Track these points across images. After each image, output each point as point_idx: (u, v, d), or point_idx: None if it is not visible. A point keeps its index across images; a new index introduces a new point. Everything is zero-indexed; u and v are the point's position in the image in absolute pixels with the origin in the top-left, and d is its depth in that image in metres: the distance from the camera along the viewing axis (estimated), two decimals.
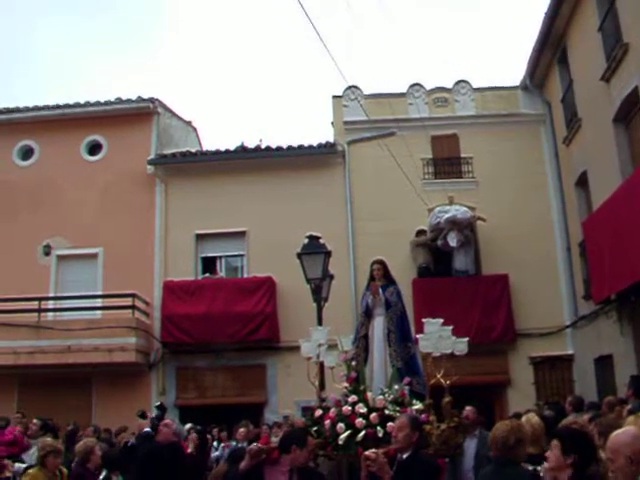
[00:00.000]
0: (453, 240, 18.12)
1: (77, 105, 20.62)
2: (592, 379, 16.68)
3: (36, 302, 18.45)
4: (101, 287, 19.46)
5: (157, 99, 20.66)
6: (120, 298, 18.22)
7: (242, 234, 19.55)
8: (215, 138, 46.80)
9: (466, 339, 8.48)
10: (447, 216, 18.23)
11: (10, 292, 18.22)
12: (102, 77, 52.86)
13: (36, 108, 20.78)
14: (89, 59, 52.90)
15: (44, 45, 53.37)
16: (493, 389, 18.21)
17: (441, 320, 8.55)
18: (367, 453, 5.84)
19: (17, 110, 20.92)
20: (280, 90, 53.59)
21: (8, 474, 9.47)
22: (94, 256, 19.74)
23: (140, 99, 20.48)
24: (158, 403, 15.14)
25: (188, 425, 13.57)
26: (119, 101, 20.55)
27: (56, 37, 53.59)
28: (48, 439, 9.18)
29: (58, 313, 19.12)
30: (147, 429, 7.23)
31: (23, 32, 52.71)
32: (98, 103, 20.60)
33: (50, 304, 19.26)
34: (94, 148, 20.74)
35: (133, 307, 18.30)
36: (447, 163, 19.81)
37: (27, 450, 11.94)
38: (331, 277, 14.23)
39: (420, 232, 18.81)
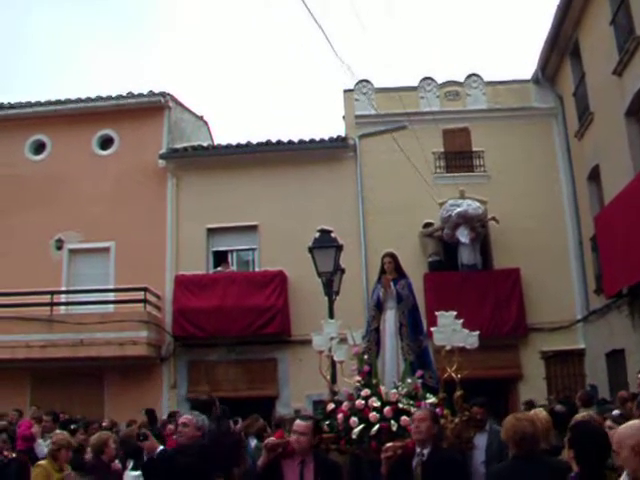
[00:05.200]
0: (464, 236, 18.10)
1: (88, 100, 20.68)
2: (604, 374, 16.64)
3: (48, 296, 18.49)
4: (113, 281, 19.53)
5: (168, 93, 20.68)
6: (132, 292, 18.29)
7: (253, 228, 19.57)
8: (226, 132, 46.84)
9: (477, 333, 8.48)
10: (459, 210, 18.22)
11: (22, 286, 18.25)
12: (113, 71, 52.95)
13: (48, 103, 20.83)
14: (100, 53, 52.99)
15: (55, 39, 53.37)
16: (504, 383, 18.20)
17: (454, 313, 8.56)
18: (389, 445, 5.87)
19: (29, 105, 20.98)
20: (292, 84, 53.56)
21: None
22: (106, 250, 19.81)
23: (151, 93, 20.51)
24: (146, 409, 15.01)
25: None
26: (130, 95, 20.58)
27: (67, 31, 53.62)
28: (61, 433, 9.22)
29: (70, 307, 19.21)
30: (160, 447, 7.05)
31: (32, 25, 52.69)
32: (110, 97, 20.63)
33: (62, 298, 19.34)
34: (106, 142, 20.79)
35: (145, 301, 18.34)
36: (458, 157, 19.77)
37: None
38: (342, 271, 14.24)
39: (427, 224, 18.80)
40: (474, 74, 20.33)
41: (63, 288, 19.61)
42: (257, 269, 19.56)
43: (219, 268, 19.56)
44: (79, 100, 20.73)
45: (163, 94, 20.51)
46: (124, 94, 20.64)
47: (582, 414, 7.91)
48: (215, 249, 19.93)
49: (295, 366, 17.99)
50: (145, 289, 18.40)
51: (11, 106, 21.20)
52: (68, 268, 20.00)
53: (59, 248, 19.97)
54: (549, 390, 17.62)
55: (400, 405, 7.94)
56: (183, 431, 7.00)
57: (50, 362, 17.95)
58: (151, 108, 20.63)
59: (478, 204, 18.53)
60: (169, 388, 18.83)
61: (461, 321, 8.44)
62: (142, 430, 8.18)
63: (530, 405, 14.39)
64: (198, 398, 9.85)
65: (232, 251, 20.05)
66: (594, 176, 17.48)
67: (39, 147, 21.01)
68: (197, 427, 6.97)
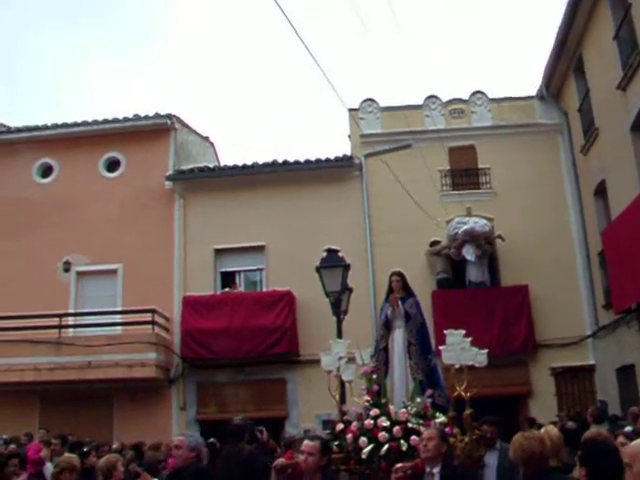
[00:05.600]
0: (470, 254, 18.08)
1: (95, 122, 20.77)
2: (614, 390, 16.55)
3: (56, 318, 18.52)
4: (121, 303, 19.53)
5: (174, 115, 20.78)
6: (140, 314, 18.29)
7: (261, 248, 19.58)
8: (232, 152, 46.94)
9: (486, 351, 8.44)
10: (465, 227, 18.21)
11: (30, 309, 18.33)
12: (118, 93, 53.17)
13: (55, 126, 20.94)
14: (104, 75, 53.22)
15: (59, 61, 53.66)
16: (515, 401, 18.12)
17: (463, 331, 8.52)
18: (398, 465, 5.84)
19: (36, 128, 21.10)
20: (297, 104, 53.67)
21: None
22: (114, 272, 19.83)
23: (157, 115, 20.60)
24: (131, 445, 14.31)
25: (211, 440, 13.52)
26: (137, 118, 20.68)
27: (69, 55, 53.93)
28: (67, 456, 9.18)
29: (78, 329, 19.20)
30: None
31: (35, 48, 53.03)
32: (116, 120, 20.73)
33: (70, 320, 19.34)
34: (113, 165, 20.86)
35: (153, 322, 18.33)
36: (464, 174, 19.77)
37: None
38: (350, 290, 14.23)
39: (434, 242, 18.79)
40: (479, 91, 20.37)
41: (71, 310, 19.61)
42: (265, 289, 19.53)
43: (227, 289, 19.56)
44: (85, 123, 20.84)
45: (169, 116, 20.60)
46: (130, 116, 20.74)
47: (593, 431, 7.87)
48: (223, 270, 19.91)
49: (304, 386, 17.94)
50: (153, 311, 18.39)
51: (18, 130, 21.37)
52: (76, 290, 20.02)
53: (67, 270, 20.00)
54: (559, 406, 17.52)
55: (409, 424, 7.91)
56: (176, 453, 6.84)
57: (58, 385, 17.97)
58: (157, 130, 20.72)
59: (485, 221, 18.52)
60: (178, 410, 18.79)
61: (470, 339, 8.41)
62: (132, 467, 8.04)
63: (532, 423, 14.35)
64: (232, 422, 9.81)
65: (240, 272, 20.04)
66: (600, 191, 17.46)
67: (46, 170, 21.09)
68: (190, 448, 6.79)
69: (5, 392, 18.55)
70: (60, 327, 18.51)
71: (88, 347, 17.71)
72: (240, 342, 18.06)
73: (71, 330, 19.11)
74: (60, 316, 18.68)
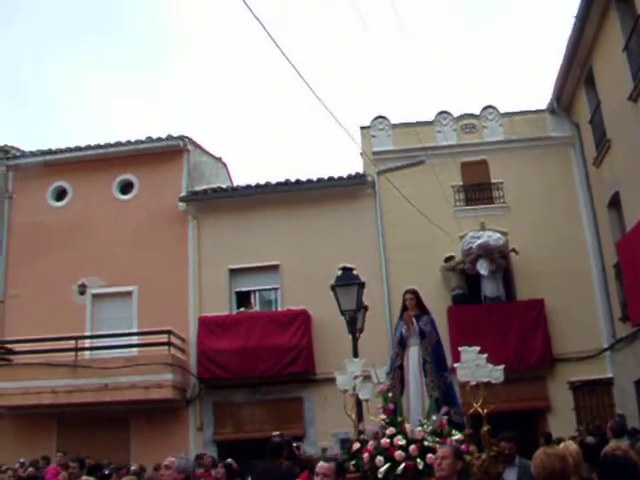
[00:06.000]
0: (484, 268, 18.04)
1: (108, 145, 20.88)
2: (633, 402, 16.40)
3: (73, 341, 18.58)
4: (136, 324, 19.59)
5: (187, 137, 20.87)
6: (156, 335, 18.32)
7: (275, 267, 19.59)
8: (245, 172, 47.09)
9: (502, 367, 8.42)
10: (479, 242, 18.17)
11: (47, 332, 18.38)
12: (128, 114, 53.42)
13: (68, 149, 21.08)
14: (114, 95, 53.46)
15: (68, 84, 54.05)
16: (533, 416, 18.01)
17: (477, 348, 8.51)
18: None
19: (50, 152, 21.24)
20: (308, 122, 53.83)
21: None
22: (129, 294, 19.89)
23: (170, 137, 20.69)
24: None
25: (229, 460, 13.51)
26: (149, 140, 20.78)
27: (78, 75, 54.33)
28: (84, 478, 9.20)
29: (95, 351, 19.25)
30: None
31: (46, 72, 53.47)
32: (129, 142, 20.85)
33: (87, 343, 19.40)
34: (126, 187, 20.96)
35: (169, 344, 18.35)
36: (477, 189, 19.74)
37: None
38: (365, 308, 14.20)
39: (449, 258, 18.74)
40: (490, 106, 20.36)
41: (87, 333, 19.68)
42: (280, 308, 19.54)
43: (242, 309, 19.58)
44: (98, 146, 20.94)
45: (182, 137, 20.70)
46: (143, 139, 20.84)
47: (612, 445, 7.81)
48: (237, 290, 19.93)
49: (321, 405, 17.90)
50: (169, 332, 18.42)
51: (32, 154, 21.48)
52: (92, 313, 20.09)
53: (82, 293, 20.07)
54: (578, 421, 17.40)
55: (426, 443, 7.87)
56: (165, 474, 6.84)
57: (76, 407, 18.05)
58: (170, 152, 20.80)
59: (499, 235, 18.47)
60: (195, 430, 18.78)
61: (485, 356, 8.39)
62: None
63: (548, 438, 14.26)
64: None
65: (254, 291, 20.07)
66: (614, 203, 17.40)
67: (61, 193, 21.21)
68: (179, 470, 6.79)
69: (23, 415, 18.68)
70: (77, 350, 18.58)
71: (105, 369, 17.75)
72: (256, 362, 18.07)
73: (87, 353, 19.16)
74: (76, 339, 18.75)
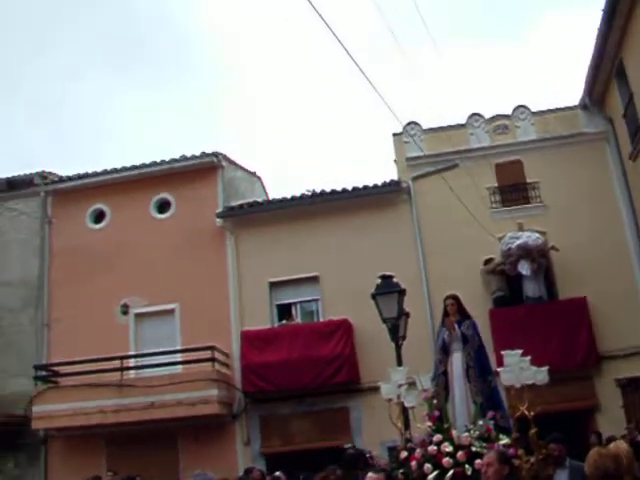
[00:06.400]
0: (525, 269, 17.92)
1: (143, 165, 21.10)
2: None
3: (118, 361, 18.78)
4: (179, 342, 19.72)
5: (220, 153, 21.01)
6: (199, 351, 18.44)
7: (315, 279, 19.61)
8: (279, 184, 47.27)
9: (546, 368, 8.40)
10: (518, 242, 18.06)
11: (92, 353, 18.61)
12: (160, 134, 53.79)
13: (104, 172, 21.33)
14: (144, 114, 53.89)
15: (98, 105, 54.63)
16: (581, 415, 17.79)
17: (520, 351, 8.47)
18: None
19: (86, 175, 21.51)
20: (340, 132, 53.89)
21: None
22: (171, 312, 20.04)
23: (204, 154, 20.85)
24: None
25: (277, 473, 13.52)
26: (183, 158, 20.95)
27: (108, 96, 54.90)
28: None
29: (140, 370, 19.44)
30: None
31: (76, 93, 54.14)
32: (163, 162, 21.04)
33: (131, 362, 19.59)
34: (163, 206, 21.15)
35: (213, 359, 18.45)
36: (513, 190, 19.59)
37: None
38: (407, 315, 14.19)
39: (488, 260, 18.64)
40: (521, 105, 20.22)
41: (131, 352, 19.85)
42: (321, 319, 19.56)
43: (284, 321, 19.64)
44: (134, 167, 21.16)
45: (215, 154, 20.84)
46: (177, 157, 21.01)
47: None
48: (278, 302, 19.98)
49: (367, 413, 17.83)
50: (212, 348, 18.51)
51: (69, 178, 21.80)
52: (135, 332, 20.26)
53: (125, 313, 20.27)
54: (627, 419, 17.13)
55: (473, 448, 7.86)
56: None
57: (124, 426, 18.18)
58: (204, 169, 20.96)
59: (537, 235, 18.34)
60: (243, 445, 18.84)
61: (528, 358, 8.36)
62: None
63: (599, 437, 14.10)
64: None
65: (295, 303, 20.08)
66: None
67: (99, 216, 21.45)
68: None
69: (72, 436, 18.95)
70: (122, 369, 18.76)
71: (150, 387, 17.91)
72: (300, 373, 18.08)
73: (133, 372, 19.35)
74: (122, 358, 18.93)
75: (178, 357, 19.37)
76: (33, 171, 22.10)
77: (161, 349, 19.46)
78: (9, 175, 22.27)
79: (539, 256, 18.19)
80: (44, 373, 19.58)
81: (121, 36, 55.59)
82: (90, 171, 21.61)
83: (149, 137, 53.44)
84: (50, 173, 22.29)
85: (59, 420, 18.33)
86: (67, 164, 61.57)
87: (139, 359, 19.80)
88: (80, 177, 21.63)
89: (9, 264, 21.39)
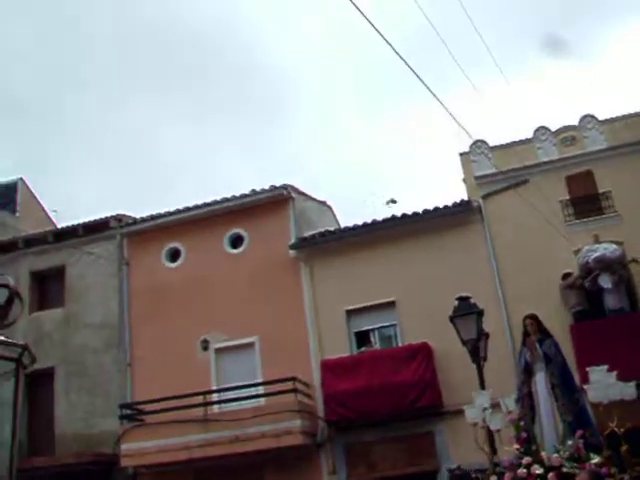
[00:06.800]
0: (606, 282, 17.59)
1: (215, 202, 21.47)
2: None
3: (201, 397, 19.00)
4: (260, 374, 19.86)
5: (290, 185, 21.26)
6: (281, 383, 18.54)
7: (391, 304, 19.57)
8: (349, 210, 47.24)
9: (633, 383, 8.25)
10: (595, 255, 17.75)
11: (175, 389, 18.91)
12: (227, 167, 54.33)
13: (177, 211, 21.77)
14: (209, 150, 54.51)
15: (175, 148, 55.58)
16: None
17: (606, 367, 8.35)
18: None
19: (160, 216, 21.98)
20: (406, 154, 53.81)
21: None
22: (250, 345, 20.22)
23: (273, 187, 21.12)
24: None
25: None
26: (254, 193, 21.25)
27: (171, 131, 55.78)
28: None
29: (223, 404, 19.61)
30: None
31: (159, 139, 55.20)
32: (234, 197, 21.39)
33: (214, 397, 19.80)
34: (236, 240, 21.42)
35: (295, 390, 18.52)
36: (586, 201, 19.29)
37: None
38: (486, 335, 14.06)
39: (566, 275, 18.35)
40: (588, 115, 19.96)
41: (213, 387, 20.07)
42: (400, 344, 19.49)
43: (363, 348, 19.63)
44: (206, 204, 21.55)
45: (285, 187, 21.08)
46: (247, 192, 21.33)
47: None
48: (356, 330, 19.97)
49: (452, 437, 17.61)
50: (294, 379, 18.60)
51: (143, 220, 22.35)
52: (216, 367, 20.49)
53: (205, 349, 20.55)
54: None
55: (564, 469, 7.74)
56: None
57: (210, 460, 18.33)
58: (275, 201, 21.24)
59: (615, 246, 18.00)
60: (328, 474, 18.81)
61: (614, 374, 8.23)
62: None
63: None
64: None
65: (373, 329, 20.07)
66: None
67: (174, 254, 21.85)
68: None
69: (160, 472, 19.15)
70: (205, 404, 19.00)
71: (234, 421, 18.07)
72: (382, 399, 17.99)
73: (216, 406, 19.55)
74: (205, 393, 19.18)
75: (260, 390, 19.53)
76: (108, 215, 22.64)
77: (243, 382, 19.62)
78: (85, 220, 22.90)
79: (619, 267, 17.84)
80: (129, 412, 19.96)
81: (184, 68, 56.50)
82: (163, 211, 22.08)
83: (214, 172, 54.12)
84: (125, 215, 22.84)
85: (147, 457, 18.64)
86: (137, 203, 62.64)
87: (222, 393, 19.99)
88: (153, 218, 22.12)
89: (90, 307, 21.93)
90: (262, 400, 19.18)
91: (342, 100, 57.29)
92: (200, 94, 57.05)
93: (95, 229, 22.67)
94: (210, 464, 18.57)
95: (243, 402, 19.14)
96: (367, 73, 59.71)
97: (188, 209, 21.70)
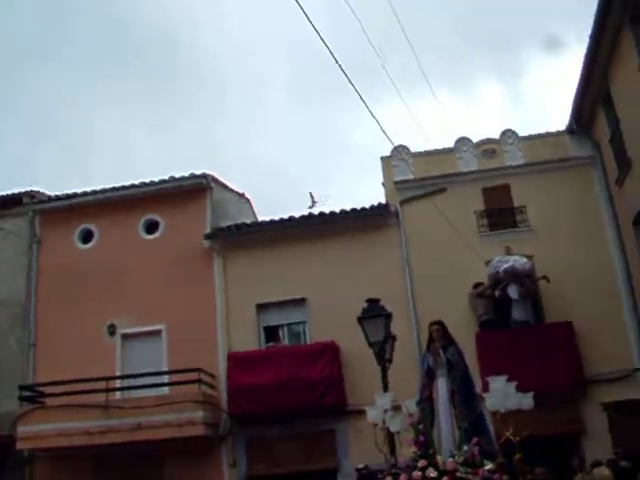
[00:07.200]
0: (514, 293, 17.99)
1: (132, 186, 21.14)
2: None
3: (104, 382, 18.68)
4: (166, 363, 19.66)
5: (209, 174, 21.07)
6: (186, 373, 18.37)
7: (302, 301, 19.63)
8: (267, 206, 46.96)
9: (531, 394, 8.43)
10: (505, 266, 18.12)
11: (78, 373, 18.53)
12: (147, 152, 53.46)
13: (93, 192, 21.32)
14: (129, 133, 53.64)
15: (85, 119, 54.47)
16: (567, 440, 17.74)
17: (505, 377, 8.52)
18: None
19: (75, 195, 21.53)
20: (327, 153, 53.93)
21: None
22: (158, 333, 19.99)
23: (192, 176, 20.90)
24: None
25: None
26: (172, 179, 21.01)
27: (94, 112, 54.82)
28: None
29: (126, 391, 19.36)
30: None
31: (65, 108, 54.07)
32: (152, 183, 21.08)
33: (118, 383, 19.51)
34: (151, 227, 21.15)
35: (199, 381, 18.38)
36: (501, 214, 19.68)
37: None
38: (393, 338, 14.21)
39: (477, 285, 18.68)
40: (509, 130, 20.37)
41: (118, 373, 19.78)
42: (308, 341, 19.56)
43: (271, 343, 19.63)
44: (123, 187, 21.20)
45: (204, 176, 20.90)
46: (166, 178, 21.07)
47: None
48: (265, 324, 19.97)
49: (354, 436, 17.73)
50: (199, 370, 18.45)
51: (57, 198, 21.82)
52: (121, 353, 20.20)
53: (112, 334, 20.22)
54: (614, 443, 17.11)
55: (458, 474, 7.87)
56: None
57: (110, 447, 18.05)
58: (193, 190, 21.02)
59: (525, 259, 18.40)
60: (229, 467, 18.76)
61: (514, 384, 8.40)
62: None
63: (581, 462, 14.17)
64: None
65: (282, 325, 20.09)
66: (639, 221, 17.33)
67: (87, 236, 21.43)
68: None
69: (58, 457, 18.81)
70: (108, 390, 18.63)
71: (137, 409, 17.79)
72: (287, 395, 18.00)
73: (119, 393, 19.27)
74: (107, 379, 18.82)
75: (165, 378, 19.32)
76: (22, 190, 22.11)
77: (148, 370, 19.36)
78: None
79: (527, 280, 18.24)
80: (30, 393, 19.45)
81: (108, 48, 55.53)
82: (79, 191, 21.62)
83: (134, 156, 53.29)
84: (39, 192, 22.32)
85: (44, 441, 18.17)
86: (51, 181, 61.25)
87: (126, 380, 19.71)
88: (68, 197, 21.65)
89: None
90: (166, 389, 18.99)
91: (272, 95, 57.01)
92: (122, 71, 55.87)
93: (7, 204, 22.09)
94: (110, 451, 18.30)
95: (147, 390, 18.90)
96: (302, 71, 59.73)
97: (104, 191, 21.27)
